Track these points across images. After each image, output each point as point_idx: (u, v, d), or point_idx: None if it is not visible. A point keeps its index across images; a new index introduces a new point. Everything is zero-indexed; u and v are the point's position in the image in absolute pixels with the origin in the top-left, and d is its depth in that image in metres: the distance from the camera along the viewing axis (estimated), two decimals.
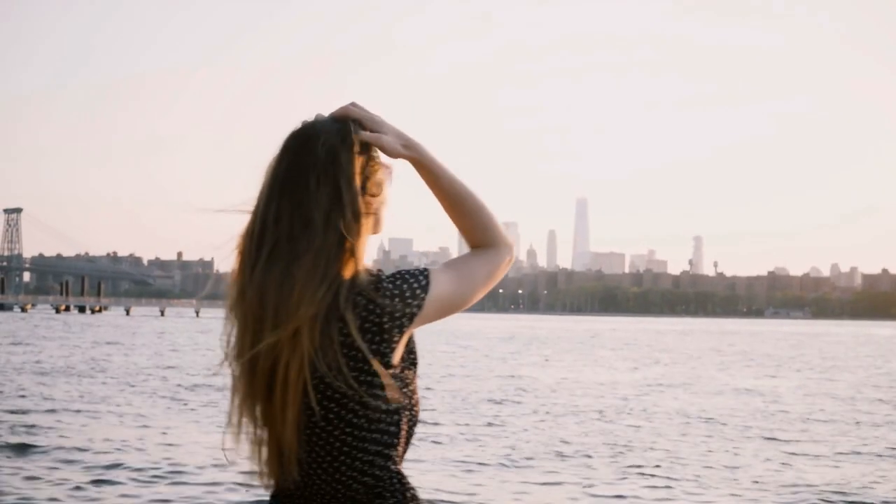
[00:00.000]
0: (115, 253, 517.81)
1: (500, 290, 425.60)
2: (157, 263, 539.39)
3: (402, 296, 2.60)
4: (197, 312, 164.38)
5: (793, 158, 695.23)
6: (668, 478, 16.56)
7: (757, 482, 16.35)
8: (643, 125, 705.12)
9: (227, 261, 2.71)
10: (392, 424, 2.64)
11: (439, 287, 2.65)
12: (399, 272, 2.66)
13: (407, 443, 2.71)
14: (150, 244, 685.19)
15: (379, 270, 2.67)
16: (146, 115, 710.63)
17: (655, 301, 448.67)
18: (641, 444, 20.72)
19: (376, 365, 2.60)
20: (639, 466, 17.72)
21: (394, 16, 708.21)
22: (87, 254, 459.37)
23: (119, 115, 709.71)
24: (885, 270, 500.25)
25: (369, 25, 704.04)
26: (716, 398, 31.85)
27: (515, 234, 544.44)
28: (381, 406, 2.62)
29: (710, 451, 19.93)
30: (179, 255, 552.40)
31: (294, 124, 2.65)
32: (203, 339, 70.07)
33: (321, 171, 2.60)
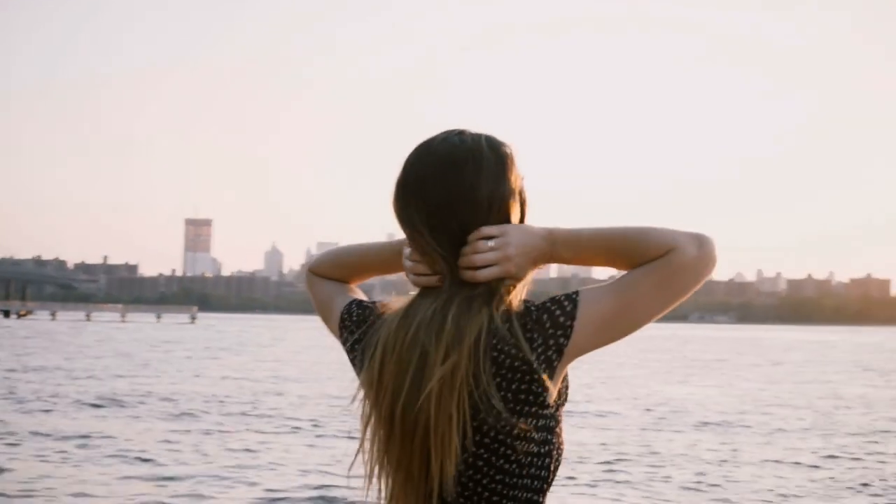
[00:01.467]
0: (39, 256, 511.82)
1: None
2: (83, 267, 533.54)
3: (543, 329, 2.40)
4: (122, 317, 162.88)
5: None
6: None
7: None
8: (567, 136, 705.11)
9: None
10: (542, 468, 2.44)
11: (591, 309, 2.42)
12: (547, 300, 2.46)
13: (550, 487, 2.52)
14: (75, 247, 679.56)
15: (527, 301, 2.48)
16: (87, 118, 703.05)
17: None
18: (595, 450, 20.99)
19: (533, 406, 2.42)
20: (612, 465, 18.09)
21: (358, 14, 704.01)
22: (11, 257, 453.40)
23: (55, 116, 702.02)
24: (809, 276, 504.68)
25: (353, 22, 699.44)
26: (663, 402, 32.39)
27: None
28: (534, 449, 2.42)
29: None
30: (105, 258, 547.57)
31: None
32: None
33: None
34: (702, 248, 2.40)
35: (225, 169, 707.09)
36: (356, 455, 2.49)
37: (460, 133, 2.53)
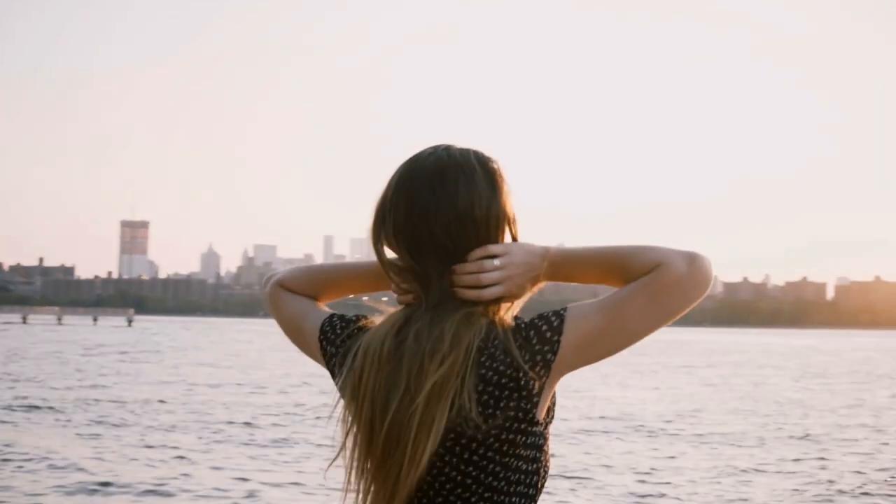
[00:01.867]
0: None
1: (365, 298, 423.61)
2: (18, 269, 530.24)
3: (531, 345, 2.38)
4: (59, 319, 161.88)
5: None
6: None
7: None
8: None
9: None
10: (531, 486, 2.43)
11: (578, 325, 2.40)
12: (535, 316, 2.45)
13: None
14: (11, 249, 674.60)
15: (516, 317, 2.47)
16: (24, 116, 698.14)
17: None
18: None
19: (523, 424, 2.40)
20: None
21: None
22: None
23: (7, 115, 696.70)
24: (745, 279, 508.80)
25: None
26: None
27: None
28: (522, 466, 2.41)
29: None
30: (41, 260, 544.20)
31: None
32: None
33: None
34: (692, 266, 2.38)
35: (162, 170, 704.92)
36: (331, 462, 2.47)
37: (447, 148, 2.50)
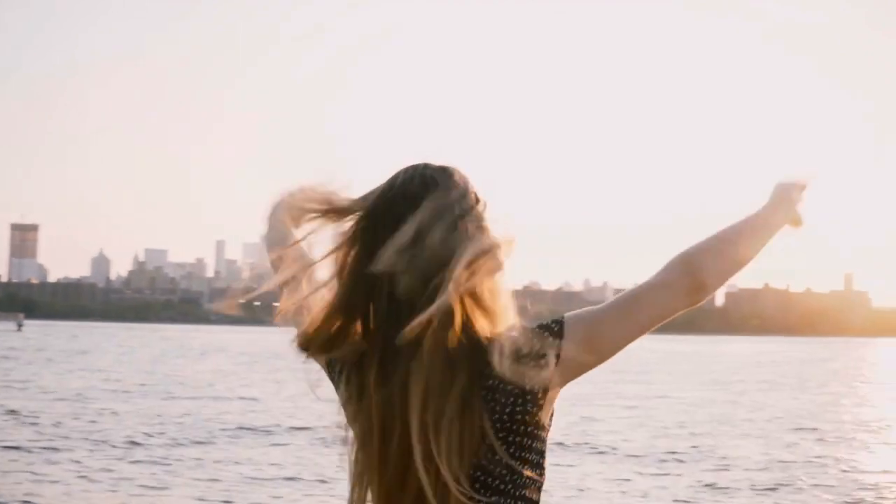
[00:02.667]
0: None
1: (257, 304, 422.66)
2: None
3: (534, 356, 2.44)
4: None
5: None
6: None
7: None
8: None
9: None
10: (535, 490, 2.51)
11: (577, 330, 2.51)
12: (535, 325, 2.51)
13: None
14: None
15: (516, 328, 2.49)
16: None
17: None
18: None
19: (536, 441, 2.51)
20: None
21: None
22: None
23: None
24: (636, 284, 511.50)
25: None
26: None
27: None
28: (534, 476, 2.50)
29: None
30: None
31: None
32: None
33: None
34: (684, 270, 2.61)
35: (52, 173, 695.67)
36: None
37: (423, 165, 2.57)
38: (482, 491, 2.44)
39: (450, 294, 2.38)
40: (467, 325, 2.45)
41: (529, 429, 2.46)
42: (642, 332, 2.58)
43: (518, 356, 2.41)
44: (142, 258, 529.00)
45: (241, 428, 27.34)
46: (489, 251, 2.46)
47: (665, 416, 32.63)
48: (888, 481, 20.76)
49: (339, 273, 2.55)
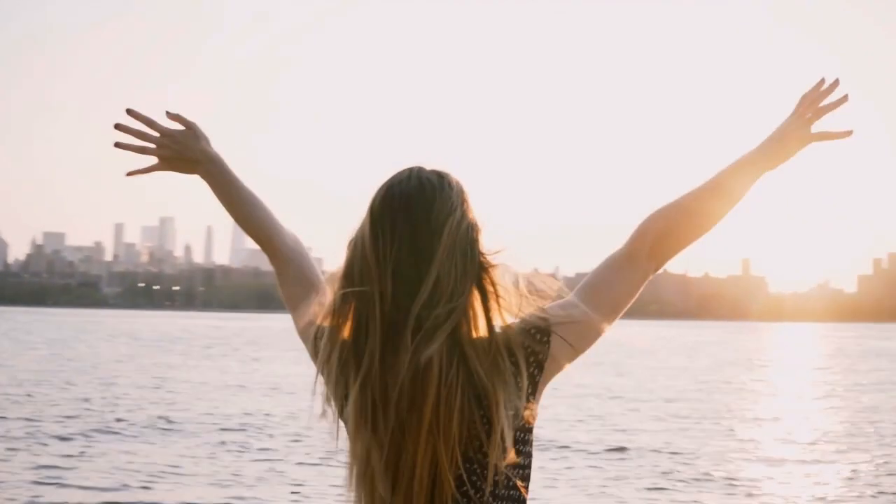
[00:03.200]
0: None
1: (156, 287, 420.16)
2: None
3: (523, 350, 2.64)
4: None
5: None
6: None
7: None
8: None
9: None
10: (525, 479, 2.66)
11: (562, 321, 2.71)
12: (520, 321, 2.67)
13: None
14: None
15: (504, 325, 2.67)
16: None
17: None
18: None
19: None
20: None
21: None
22: None
23: None
24: (536, 269, 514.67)
25: None
26: None
27: (172, 229, 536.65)
28: (524, 465, 2.66)
29: None
30: None
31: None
32: None
33: None
34: (641, 243, 2.82)
35: None
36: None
37: (418, 169, 2.70)
38: (476, 485, 2.58)
39: (464, 291, 2.58)
40: (478, 320, 2.61)
41: (523, 423, 2.61)
42: (619, 313, 2.79)
43: (517, 352, 2.60)
44: (40, 241, 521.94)
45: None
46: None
47: (558, 404, 32.66)
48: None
49: (349, 264, 2.66)
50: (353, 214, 2.74)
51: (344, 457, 2.63)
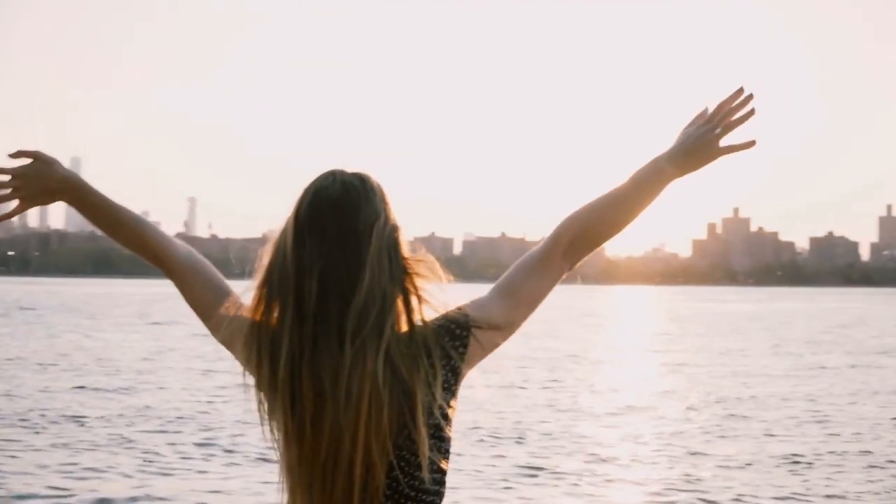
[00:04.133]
0: None
1: None
2: None
3: (444, 344, 2.78)
4: None
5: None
6: None
7: None
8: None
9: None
10: (446, 463, 2.80)
11: (482, 315, 2.86)
12: (440, 317, 2.81)
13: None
14: None
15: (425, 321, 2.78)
16: None
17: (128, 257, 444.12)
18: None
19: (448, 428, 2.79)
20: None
21: None
22: None
23: None
24: None
25: None
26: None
27: None
28: (446, 450, 2.81)
29: None
30: None
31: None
32: None
33: None
34: (557, 244, 3.02)
35: None
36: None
37: (340, 173, 2.82)
38: (406, 472, 2.74)
39: (388, 286, 2.72)
40: (401, 318, 2.75)
41: (442, 415, 2.74)
42: (534, 308, 2.97)
43: (434, 351, 2.73)
44: None
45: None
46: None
47: None
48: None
49: (271, 265, 2.79)
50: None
51: (271, 452, 2.75)
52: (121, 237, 3.04)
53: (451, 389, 2.76)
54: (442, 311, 2.80)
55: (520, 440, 18.31)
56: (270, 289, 2.75)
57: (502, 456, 16.84)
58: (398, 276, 2.74)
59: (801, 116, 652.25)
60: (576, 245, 2.98)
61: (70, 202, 3.01)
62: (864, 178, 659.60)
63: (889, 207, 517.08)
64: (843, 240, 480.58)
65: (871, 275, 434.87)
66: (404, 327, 2.74)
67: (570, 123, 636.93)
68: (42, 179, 2.95)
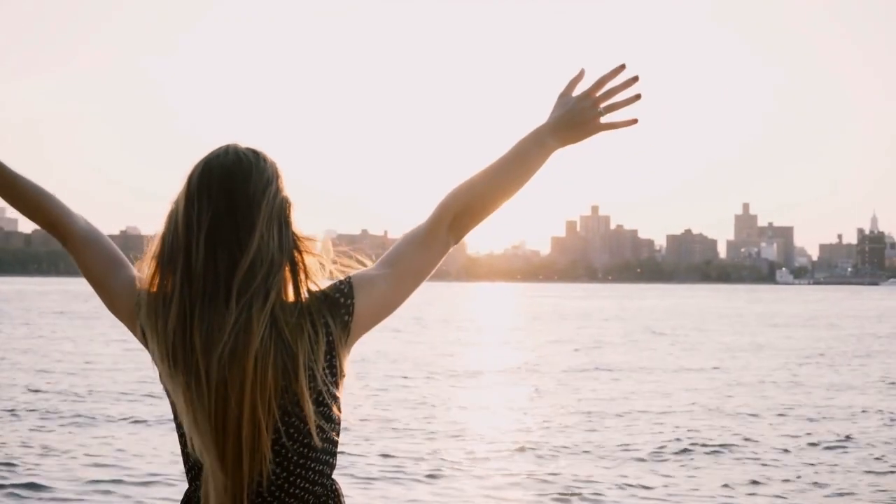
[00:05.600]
0: None
1: None
2: None
3: (332, 312, 2.85)
4: None
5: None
6: None
7: None
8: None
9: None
10: (336, 435, 2.88)
11: (366, 289, 2.92)
12: (327, 288, 2.89)
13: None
14: None
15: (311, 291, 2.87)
16: None
17: (7, 260, 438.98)
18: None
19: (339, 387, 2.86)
20: None
21: None
22: None
23: None
24: None
25: None
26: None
27: None
28: (336, 429, 2.87)
29: None
30: None
31: None
32: None
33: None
34: (439, 218, 3.03)
35: None
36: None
37: (234, 146, 2.88)
38: (292, 436, 2.81)
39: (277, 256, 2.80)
40: (287, 286, 2.83)
41: (330, 384, 2.81)
42: (420, 280, 3.01)
43: (317, 319, 2.81)
44: None
45: None
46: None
47: None
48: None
49: (164, 233, 2.85)
50: None
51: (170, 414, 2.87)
52: (20, 203, 3.05)
53: (334, 358, 2.83)
54: (323, 280, 2.88)
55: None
56: (162, 258, 2.82)
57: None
58: (287, 246, 2.82)
59: (660, 110, 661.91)
60: (460, 218, 3.01)
61: None
62: (722, 176, 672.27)
63: (745, 206, 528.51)
64: (700, 237, 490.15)
65: (729, 272, 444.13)
66: (291, 297, 2.81)
67: (435, 119, 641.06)
68: None
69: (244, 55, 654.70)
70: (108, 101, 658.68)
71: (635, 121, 3.07)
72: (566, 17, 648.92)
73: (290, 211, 2.86)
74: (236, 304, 2.72)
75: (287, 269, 2.81)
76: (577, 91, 3.07)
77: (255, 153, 2.86)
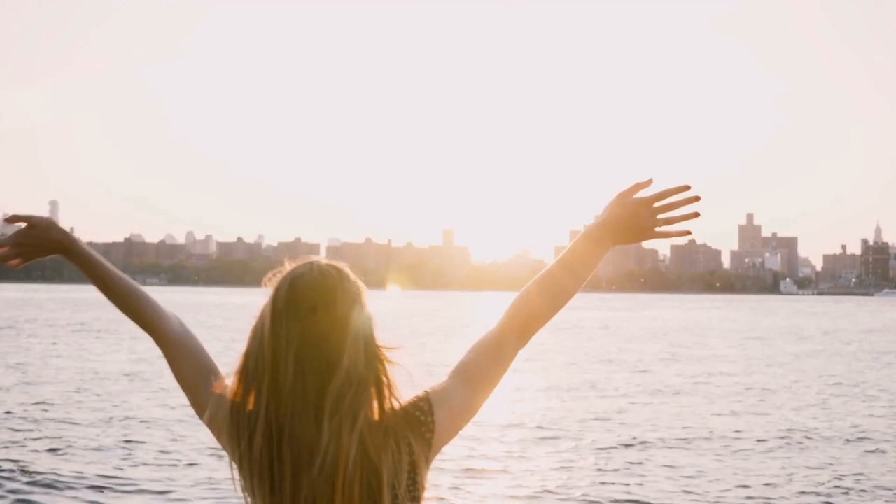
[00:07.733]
0: None
1: None
2: None
3: (412, 430, 2.90)
4: None
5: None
6: None
7: None
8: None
9: None
10: None
11: (444, 403, 2.98)
12: (407, 404, 2.92)
13: None
14: None
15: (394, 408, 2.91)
16: None
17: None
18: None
19: None
20: None
21: None
22: None
23: None
24: (239, 239, 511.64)
25: None
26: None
27: None
28: None
29: None
30: None
31: None
32: None
33: None
34: (511, 327, 3.13)
35: None
36: None
37: (317, 262, 2.95)
38: None
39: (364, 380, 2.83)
40: (373, 404, 2.86)
41: (414, 493, 2.88)
42: (494, 387, 3.06)
43: (400, 438, 2.86)
44: None
45: None
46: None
47: None
48: None
49: (249, 350, 2.89)
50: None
51: None
52: (114, 299, 3.19)
53: (416, 475, 2.87)
54: (407, 397, 2.93)
55: None
56: (247, 374, 2.86)
57: None
58: (373, 364, 2.86)
59: (664, 121, 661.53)
60: (529, 325, 3.11)
61: (68, 258, 3.20)
62: (726, 187, 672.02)
63: (749, 216, 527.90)
64: (704, 247, 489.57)
65: (733, 282, 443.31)
66: (376, 415, 2.85)
67: (434, 131, 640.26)
68: (39, 244, 3.18)
69: (240, 64, 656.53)
70: (104, 110, 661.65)
71: (689, 232, 3.23)
72: (568, 26, 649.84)
73: (373, 326, 2.90)
74: (328, 425, 2.78)
75: (373, 387, 2.86)
76: (639, 194, 3.18)
77: (339, 271, 2.93)
